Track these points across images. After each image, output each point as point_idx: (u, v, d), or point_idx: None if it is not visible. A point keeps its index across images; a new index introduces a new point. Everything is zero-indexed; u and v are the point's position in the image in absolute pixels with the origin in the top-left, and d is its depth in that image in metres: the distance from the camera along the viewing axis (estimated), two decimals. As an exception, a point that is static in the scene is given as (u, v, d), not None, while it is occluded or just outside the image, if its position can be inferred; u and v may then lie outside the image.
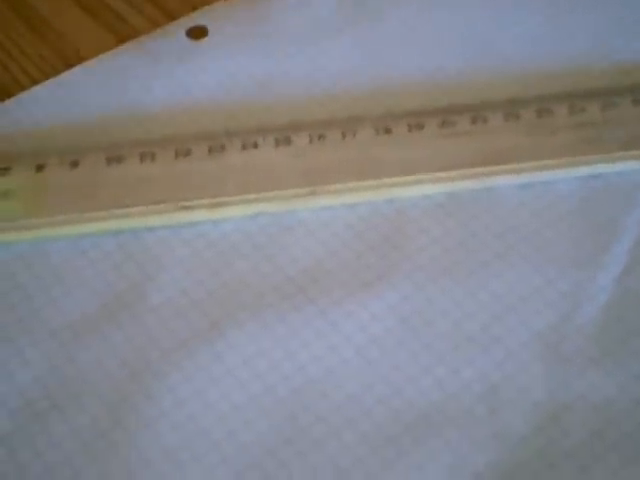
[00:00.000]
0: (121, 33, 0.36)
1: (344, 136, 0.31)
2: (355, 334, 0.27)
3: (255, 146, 0.31)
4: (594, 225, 0.29)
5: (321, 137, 0.31)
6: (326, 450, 0.24)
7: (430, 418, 0.25)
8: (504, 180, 0.30)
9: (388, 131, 0.31)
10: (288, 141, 0.31)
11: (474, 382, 0.26)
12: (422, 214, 0.29)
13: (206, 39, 0.35)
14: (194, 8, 0.36)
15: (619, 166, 0.30)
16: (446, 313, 0.27)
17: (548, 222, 0.29)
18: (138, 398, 0.26)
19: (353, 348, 0.26)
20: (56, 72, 0.35)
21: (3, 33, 0.36)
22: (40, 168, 0.31)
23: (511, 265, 0.28)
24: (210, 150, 0.31)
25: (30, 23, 0.37)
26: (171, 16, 0.37)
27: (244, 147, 0.31)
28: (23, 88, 0.34)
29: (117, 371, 0.26)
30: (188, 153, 0.31)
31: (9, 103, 0.33)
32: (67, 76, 0.34)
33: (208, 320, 0.27)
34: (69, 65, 0.35)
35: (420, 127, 0.31)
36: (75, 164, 0.31)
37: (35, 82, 0.34)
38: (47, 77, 0.35)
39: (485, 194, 0.30)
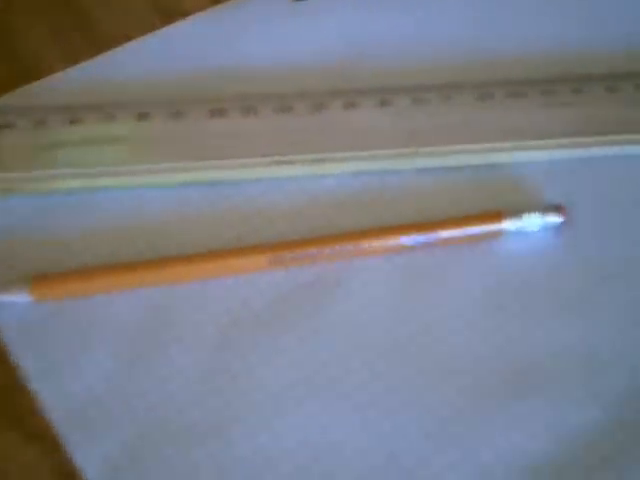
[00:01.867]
0: (218, -9, 0.37)
1: (445, 100, 0.31)
2: (467, 292, 0.27)
3: (356, 105, 0.31)
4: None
5: (423, 100, 0.31)
6: (427, 400, 0.25)
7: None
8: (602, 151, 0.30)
9: (490, 97, 0.31)
10: (389, 102, 0.31)
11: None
12: (521, 180, 0.30)
13: (307, -1, 0.35)
14: (293, -31, 0.37)
15: None
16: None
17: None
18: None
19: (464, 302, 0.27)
20: (154, 27, 0.35)
21: (103, -14, 0.37)
22: (143, 117, 0.31)
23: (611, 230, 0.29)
24: (311, 107, 0.31)
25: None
26: (269, -23, 0.37)
27: (345, 106, 0.31)
28: (124, 41, 0.35)
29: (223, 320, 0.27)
30: (289, 110, 0.31)
31: (111, 55, 0.34)
32: (168, 30, 0.35)
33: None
34: (168, 20, 0.35)
35: (522, 95, 0.31)
36: (178, 115, 0.31)
37: (134, 36, 0.35)
38: (146, 31, 0.35)
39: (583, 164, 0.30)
